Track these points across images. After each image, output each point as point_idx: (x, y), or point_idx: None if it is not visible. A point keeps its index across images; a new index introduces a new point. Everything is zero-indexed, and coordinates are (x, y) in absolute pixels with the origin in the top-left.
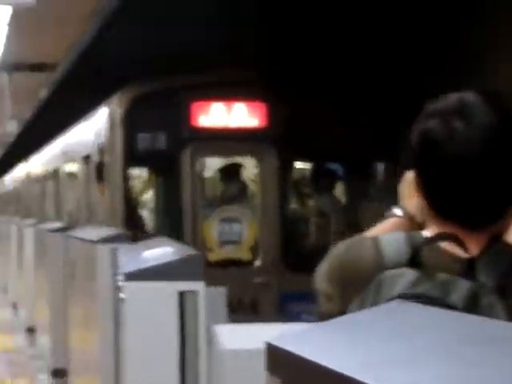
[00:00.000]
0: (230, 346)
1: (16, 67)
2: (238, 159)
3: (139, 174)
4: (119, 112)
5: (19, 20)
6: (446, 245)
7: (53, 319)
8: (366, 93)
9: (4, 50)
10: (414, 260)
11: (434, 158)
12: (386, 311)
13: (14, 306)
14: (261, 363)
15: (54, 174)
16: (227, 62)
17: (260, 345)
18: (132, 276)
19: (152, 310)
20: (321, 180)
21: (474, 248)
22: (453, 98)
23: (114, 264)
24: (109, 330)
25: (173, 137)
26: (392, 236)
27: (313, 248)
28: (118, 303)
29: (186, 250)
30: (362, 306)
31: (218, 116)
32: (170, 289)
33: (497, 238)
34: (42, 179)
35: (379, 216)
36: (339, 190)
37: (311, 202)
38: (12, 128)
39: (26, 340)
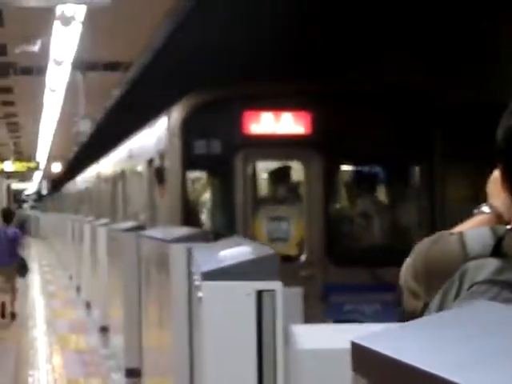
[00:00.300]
0: (307, 346)
1: (90, 66)
2: (285, 163)
3: (196, 176)
4: (178, 120)
5: (93, 19)
6: None
7: (126, 319)
8: (400, 102)
9: (78, 49)
10: (497, 250)
11: None
12: (473, 310)
13: (88, 306)
14: (338, 363)
15: (122, 175)
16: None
17: (337, 344)
18: (209, 275)
19: (229, 309)
20: (361, 182)
21: None
22: None
23: (190, 263)
24: (183, 329)
25: (227, 143)
26: (476, 230)
27: (354, 244)
28: (193, 303)
29: (263, 249)
30: (444, 297)
31: (267, 124)
32: (248, 288)
33: None
34: (111, 180)
35: (414, 214)
36: (379, 191)
37: (352, 202)
38: (85, 127)
39: (99, 340)
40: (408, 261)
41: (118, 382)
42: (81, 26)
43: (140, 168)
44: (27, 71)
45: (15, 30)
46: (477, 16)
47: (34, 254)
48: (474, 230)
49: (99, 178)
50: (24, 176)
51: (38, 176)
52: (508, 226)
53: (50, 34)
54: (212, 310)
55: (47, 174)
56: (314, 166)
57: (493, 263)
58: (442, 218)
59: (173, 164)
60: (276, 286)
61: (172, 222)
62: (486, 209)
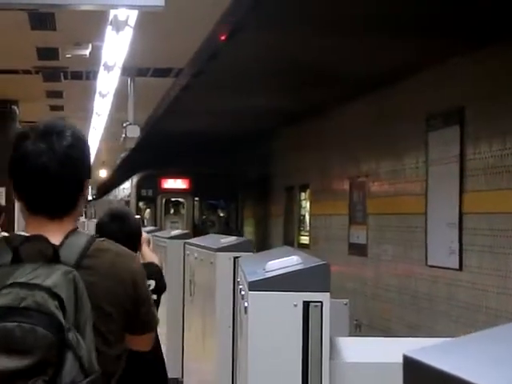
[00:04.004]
0: (354, 359)
1: (140, 72)
2: (178, 200)
3: (142, 204)
4: (135, 182)
5: (145, 24)
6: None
7: (169, 328)
8: (226, 177)
9: (129, 54)
10: (16, 258)
11: (23, 169)
12: None
13: None
14: (385, 377)
15: (123, 199)
16: None
17: (384, 358)
18: (256, 285)
19: (275, 319)
20: (210, 207)
21: (59, 233)
22: (41, 123)
23: (236, 273)
24: (227, 339)
25: (154, 191)
26: None
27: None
28: (238, 313)
29: (312, 260)
30: None
31: (170, 184)
32: (294, 299)
33: (74, 227)
34: (120, 199)
35: (230, 222)
36: (218, 211)
37: (206, 215)
38: (133, 134)
39: None
40: None
41: None
42: (132, 31)
43: (126, 197)
44: (77, 76)
45: (67, 34)
46: None
47: None
48: None
49: (118, 194)
50: None
51: None
52: (21, 233)
53: (101, 38)
54: (257, 319)
55: (93, 180)
56: (189, 201)
57: (13, 269)
58: (238, 223)
59: (132, 199)
60: (323, 297)
61: None
62: None
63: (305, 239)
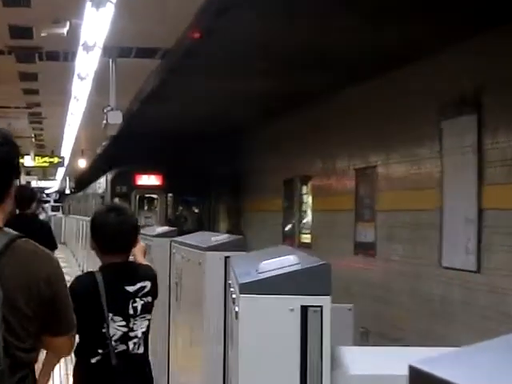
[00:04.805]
0: (358, 371)
1: (122, 52)
2: (152, 195)
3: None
4: (109, 178)
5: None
6: None
7: (153, 336)
8: (200, 174)
9: (110, 33)
10: None
11: None
12: None
13: None
14: None
15: (98, 194)
16: None
17: (391, 370)
18: (248, 287)
19: (269, 326)
20: (184, 202)
21: None
22: None
23: (227, 273)
24: (216, 347)
25: (128, 187)
26: None
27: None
28: (228, 317)
29: (311, 260)
30: None
31: (144, 180)
32: (291, 303)
33: None
34: (94, 194)
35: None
36: (191, 207)
37: (181, 210)
38: (115, 120)
39: None
40: None
41: None
42: (113, 7)
43: (100, 193)
44: (54, 56)
45: (43, 11)
46: None
47: None
48: None
49: (96, 189)
50: (46, 173)
51: (61, 173)
52: None
53: (80, 16)
54: (249, 326)
55: (71, 171)
56: (162, 196)
57: None
58: (211, 219)
59: (107, 195)
60: (323, 301)
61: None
62: None
63: (306, 237)
